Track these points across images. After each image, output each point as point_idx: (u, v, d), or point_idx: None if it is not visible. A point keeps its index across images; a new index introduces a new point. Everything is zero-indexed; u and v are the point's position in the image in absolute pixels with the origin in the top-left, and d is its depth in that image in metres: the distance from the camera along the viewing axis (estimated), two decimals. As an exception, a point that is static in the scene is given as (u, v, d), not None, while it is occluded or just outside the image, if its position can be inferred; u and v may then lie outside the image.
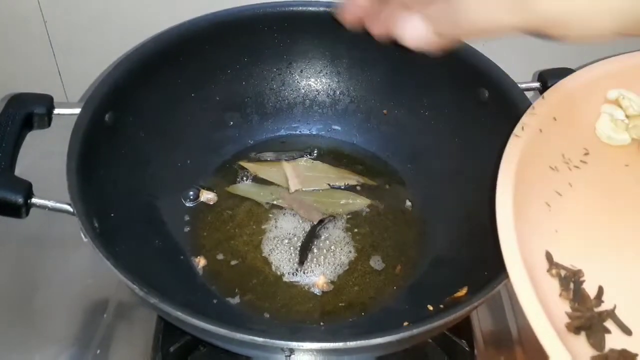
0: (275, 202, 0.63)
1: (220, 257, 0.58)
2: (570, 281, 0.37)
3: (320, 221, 0.61)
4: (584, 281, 0.38)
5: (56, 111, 0.53)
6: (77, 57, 0.76)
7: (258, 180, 0.65)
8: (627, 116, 0.45)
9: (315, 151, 0.67)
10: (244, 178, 0.65)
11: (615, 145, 0.44)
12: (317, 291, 0.56)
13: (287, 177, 0.64)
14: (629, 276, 0.38)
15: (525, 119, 0.42)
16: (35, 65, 0.77)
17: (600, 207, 0.41)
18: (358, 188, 0.64)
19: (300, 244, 0.59)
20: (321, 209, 0.62)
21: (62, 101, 0.81)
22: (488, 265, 0.48)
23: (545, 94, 0.44)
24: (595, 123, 0.45)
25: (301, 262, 0.58)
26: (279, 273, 0.57)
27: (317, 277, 0.57)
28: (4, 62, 0.77)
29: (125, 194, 0.55)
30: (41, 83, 0.79)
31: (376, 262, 0.58)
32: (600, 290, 0.38)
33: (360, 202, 0.63)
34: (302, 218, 0.61)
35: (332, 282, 0.57)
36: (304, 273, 0.57)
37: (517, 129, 0.41)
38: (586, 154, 0.43)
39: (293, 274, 0.57)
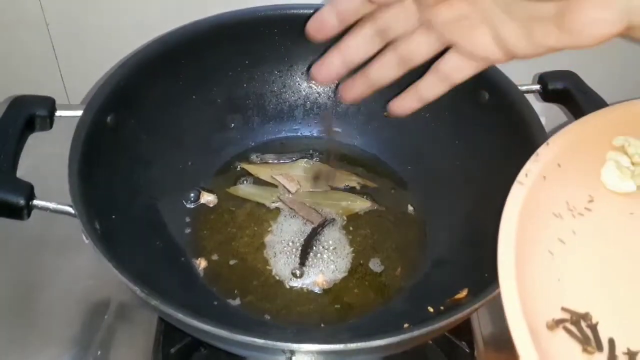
0: (275, 204, 0.63)
1: (221, 258, 0.58)
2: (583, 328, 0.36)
3: (321, 223, 0.61)
4: (597, 324, 0.37)
5: (58, 113, 0.53)
6: (79, 59, 0.76)
7: (259, 182, 0.65)
8: (633, 163, 0.45)
9: (316, 153, 0.67)
10: (245, 180, 0.65)
11: (621, 192, 0.43)
12: (317, 289, 0.56)
13: (286, 181, 0.64)
14: (636, 326, 0.37)
15: (528, 165, 0.42)
16: (37, 67, 0.77)
17: (604, 256, 0.40)
18: (358, 189, 0.65)
19: (300, 246, 0.59)
20: (321, 210, 0.62)
21: (64, 103, 0.81)
22: (488, 267, 0.48)
23: (549, 139, 0.44)
24: (601, 170, 0.44)
25: (302, 263, 0.58)
26: (279, 275, 0.57)
27: (317, 279, 0.57)
28: (6, 64, 0.77)
29: (127, 195, 0.55)
30: (43, 85, 0.79)
31: (376, 264, 0.59)
32: (612, 343, 0.36)
33: (360, 204, 0.63)
34: (303, 220, 0.61)
35: (333, 283, 0.57)
36: (304, 275, 0.57)
37: (520, 176, 0.41)
38: (591, 201, 0.42)
39: (294, 275, 0.57)
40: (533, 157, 0.42)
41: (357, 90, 0.49)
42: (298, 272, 0.57)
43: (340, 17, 0.45)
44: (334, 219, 0.61)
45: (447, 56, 0.44)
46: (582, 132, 0.45)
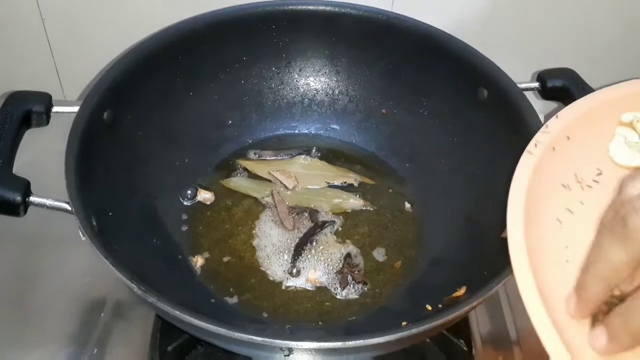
0: (266, 199, 0.62)
1: (217, 256, 0.58)
2: None
3: (320, 224, 0.61)
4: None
5: (54, 109, 0.52)
6: (75, 56, 0.76)
7: (254, 176, 0.65)
8: None
9: (314, 150, 0.67)
10: (238, 173, 0.65)
11: (628, 167, 0.44)
12: (309, 286, 0.56)
13: (283, 177, 0.64)
14: None
15: (538, 136, 0.43)
16: (33, 63, 0.77)
17: None
18: (356, 187, 0.64)
19: (296, 243, 0.59)
20: (317, 211, 0.62)
21: (60, 99, 0.81)
22: (486, 265, 0.48)
23: (559, 113, 0.45)
24: (609, 144, 0.44)
25: (294, 261, 0.58)
26: (276, 273, 0.57)
27: (310, 276, 0.57)
28: (2, 59, 0.77)
29: (124, 192, 0.55)
30: (39, 81, 0.78)
31: (375, 262, 0.58)
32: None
33: (353, 202, 0.63)
34: (301, 216, 0.61)
35: (328, 282, 0.57)
36: (300, 272, 0.57)
37: (530, 146, 0.42)
38: (599, 174, 0.43)
39: (290, 274, 0.57)
40: (542, 129, 0.43)
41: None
42: (294, 271, 0.57)
43: None
44: (334, 221, 0.61)
45: None
46: (591, 107, 0.45)
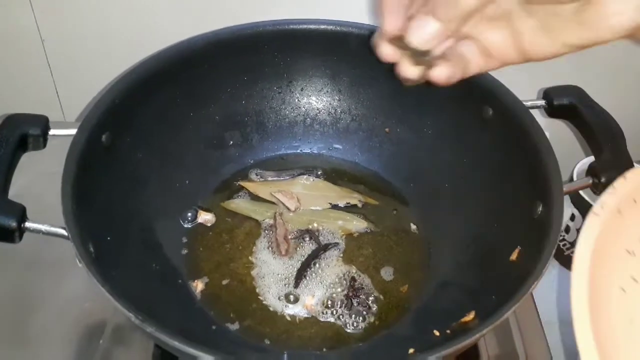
0: (268, 221, 0.61)
1: (218, 280, 0.57)
2: None
3: (322, 247, 0.59)
4: None
5: (52, 132, 0.52)
6: (75, 76, 0.76)
7: (256, 198, 0.64)
8: None
9: (316, 170, 0.66)
10: (239, 195, 0.64)
11: None
12: (304, 313, 0.55)
13: (285, 198, 0.63)
14: None
15: (604, 197, 0.42)
16: (33, 84, 0.77)
17: None
18: (360, 207, 0.63)
19: (299, 267, 0.58)
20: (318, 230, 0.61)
21: (60, 120, 0.80)
22: (495, 289, 0.47)
23: (627, 173, 0.44)
24: None
25: (296, 285, 0.57)
26: (278, 298, 0.56)
27: (307, 302, 0.55)
28: (2, 81, 0.77)
29: (122, 216, 0.54)
30: (39, 102, 0.78)
31: (380, 285, 0.57)
32: None
33: (356, 224, 0.62)
34: (301, 239, 0.60)
35: (332, 306, 0.55)
36: (302, 298, 0.56)
37: (596, 207, 0.41)
38: None
39: (288, 300, 0.56)
40: (610, 189, 0.42)
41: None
42: (292, 297, 0.56)
43: None
44: (337, 244, 0.60)
45: (466, 42, 0.43)
46: None
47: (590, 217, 0.40)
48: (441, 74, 0.41)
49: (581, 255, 0.38)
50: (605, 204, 0.41)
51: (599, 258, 0.38)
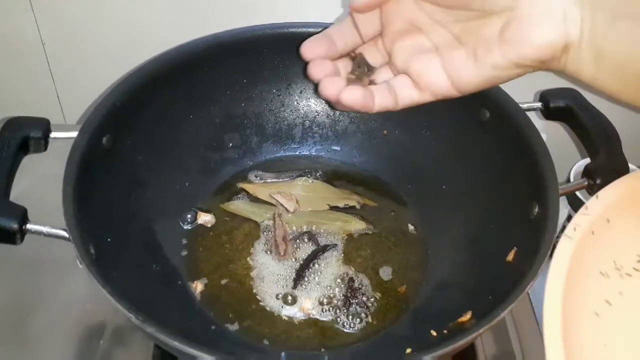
0: (267, 222, 0.62)
1: (218, 281, 0.57)
2: None
3: (322, 248, 0.60)
4: None
5: (53, 135, 0.52)
6: (76, 79, 0.76)
7: (255, 199, 0.64)
8: None
9: (315, 172, 0.67)
10: (238, 197, 0.64)
11: None
12: (301, 315, 0.55)
13: (284, 200, 0.63)
14: None
15: (577, 219, 0.41)
16: (34, 87, 0.77)
17: None
18: (358, 208, 0.64)
19: (298, 268, 0.58)
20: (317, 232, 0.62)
21: (60, 123, 0.80)
22: (492, 289, 0.47)
23: (599, 193, 0.43)
24: None
25: (295, 286, 0.57)
26: (277, 298, 0.56)
27: (304, 304, 0.56)
28: (2, 84, 0.77)
29: (122, 218, 0.54)
30: (39, 105, 0.78)
31: (378, 286, 0.57)
32: None
33: (355, 225, 0.62)
34: (300, 240, 0.61)
35: (330, 307, 0.56)
36: (300, 299, 0.56)
37: (568, 230, 0.41)
38: (639, 261, 0.41)
39: (286, 301, 0.56)
40: (582, 210, 0.42)
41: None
42: (290, 299, 0.56)
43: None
44: (335, 245, 0.60)
45: (400, 77, 0.45)
46: (633, 187, 0.44)
47: (563, 240, 0.40)
48: (352, 95, 0.43)
49: (554, 279, 0.38)
50: (578, 226, 0.41)
51: (572, 282, 0.38)
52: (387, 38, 0.45)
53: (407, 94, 0.44)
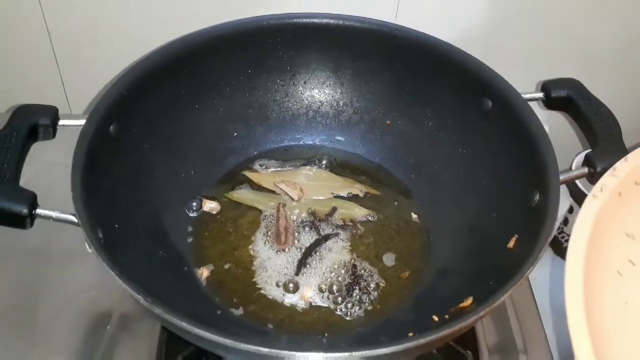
0: (271, 211, 0.63)
1: (223, 267, 0.58)
2: None
3: (324, 235, 0.61)
4: None
5: (61, 122, 0.53)
6: (81, 70, 0.76)
7: (260, 188, 0.65)
8: None
9: (319, 161, 0.67)
10: (243, 187, 0.65)
11: None
12: (303, 303, 0.55)
13: (288, 188, 0.64)
14: None
15: (605, 179, 0.41)
16: (40, 77, 0.78)
17: None
18: (362, 197, 0.64)
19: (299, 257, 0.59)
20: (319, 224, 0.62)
21: (66, 113, 0.81)
22: (492, 276, 0.48)
23: (628, 155, 0.42)
24: None
25: (297, 273, 0.58)
26: (280, 284, 0.57)
27: (305, 293, 0.56)
28: (9, 74, 0.77)
29: (129, 205, 0.55)
30: (45, 95, 0.78)
31: (381, 273, 0.58)
32: None
33: (358, 212, 0.63)
34: (305, 227, 0.61)
35: (333, 293, 0.56)
36: (303, 286, 0.57)
37: (595, 189, 0.40)
38: None
39: (292, 287, 0.57)
40: (610, 171, 0.41)
41: None
42: (291, 286, 0.57)
43: None
44: (338, 233, 0.61)
45: None
46: None
47: (589, 200, 0.39)
48: None
49: (577, 238, 0.37)
50: (605, 186, 0.40)
51: (596, 241, 0.37)
52: None
53: None
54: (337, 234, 0.61)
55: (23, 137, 0.50)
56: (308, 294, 0.56)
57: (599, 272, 0.37)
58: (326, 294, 0.56)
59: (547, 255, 0.77)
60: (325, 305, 0.56)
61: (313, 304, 0.56)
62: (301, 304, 0.56)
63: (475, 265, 0.55)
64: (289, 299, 0.56)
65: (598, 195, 0.39)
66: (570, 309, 0.34)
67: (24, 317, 0.58)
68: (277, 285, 0.57)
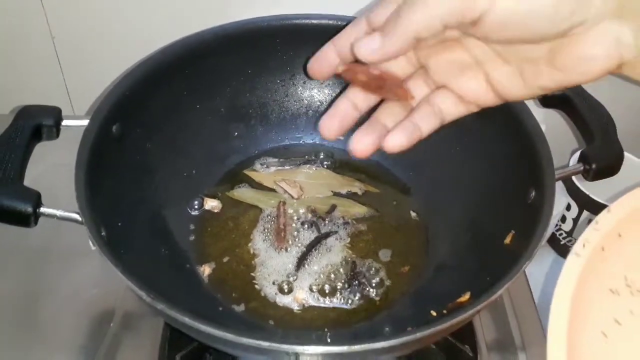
0: (271, 209, 0.63)
1: (224, 265, 0.59)
2: None
3: (325, 234, 0.61)
4: None
5: (64, 123, 0.53)
6: (84, 71, 0.77)
7: (260, 186, 0.65)
8: None
9: (319, 160, 0.68)
10: (243, 185, 0.66)
11: None
12: (303, 301, 0.56)
13: (288, 187, 0.64)
14: None
15: (587, 234, 0.39)
16: (43, 79, 0.78)
17: None
18: (360, 195, 0.65)
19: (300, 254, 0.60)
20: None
21: (69, 114, 0.82)
22: (490, 271, 0.48)
23: (611, 206, 0.40)
24: None
25: (297, 271, 0.58)
26: (281, 281, 0.58)
27: (297, 294, 0.57)
28: (12, 75, 0.78)
29: (132, 203, 0.56)
30: (48, 96, 0.79)
31: (380, 270, 0.59)
32: None
33: (357, 210, 0.64)
34: (306, 225, 0.62)
35: (334, 290, 0.57)
36: (302, 285, 0.57)
37: (577, 247, 0.38)
38: None
39: (287, 288, 0.57)
40: (592, 225, 0.39)
41: (368, 139, 0.46)
42: (287, 287, 0.57)
43: (341, 55, 0.43)
44: (337, 231, 0.62)
45: (441, 93, 0.43)
46: None
47: (571, 258, 0.37)
48: (395, 141, 0.43)
49: (560, 299, 0.36)
50: (587, 242, 0.38)
51: (580, 300, 0.36)
52: (421, 51, 0.42)
53: (453, 110, 0.43)
54: (336, 232, 0.62)
55: (27, 138, 0.50)
56: (304, 294, 0.57)
57: (582, 335, 0.35)
58: (326, 291, 0.57)
59: (544, 252, 0.78)
60: (326, 302, 0.56)
61: (315, 300, 0.56)
62: (302, 301, 0.56)
63: (472, 261, 0.55)
64: (287, 299, 0.56)
65: (580, 253, 0.38)
66: None
67: (27, 315, 0.59)
68: (273, 284, 0.58)
